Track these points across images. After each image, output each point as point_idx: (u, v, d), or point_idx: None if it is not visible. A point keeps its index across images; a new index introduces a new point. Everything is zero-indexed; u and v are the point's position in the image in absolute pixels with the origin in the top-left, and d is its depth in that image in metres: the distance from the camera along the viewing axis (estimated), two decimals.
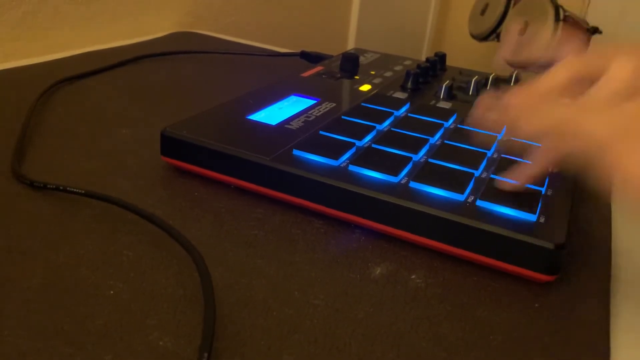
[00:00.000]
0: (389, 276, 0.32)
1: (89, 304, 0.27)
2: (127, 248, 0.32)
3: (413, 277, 0.32)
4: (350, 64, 0.58)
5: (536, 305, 0.30)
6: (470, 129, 0.44)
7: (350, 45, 1.36)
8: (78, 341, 0.25)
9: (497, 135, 0.43)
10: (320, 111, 0.45)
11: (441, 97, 0.52)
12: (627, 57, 0.34)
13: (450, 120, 0.46)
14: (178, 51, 0.68)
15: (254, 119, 0.42)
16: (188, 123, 0.40)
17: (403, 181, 0.35)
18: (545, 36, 1.35)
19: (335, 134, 0.40)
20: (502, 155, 0.40)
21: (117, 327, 0.26)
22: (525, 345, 0.28)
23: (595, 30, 1.40)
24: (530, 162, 0.34)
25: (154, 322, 0.26)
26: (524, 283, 0.32)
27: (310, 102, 0.47)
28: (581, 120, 0.28)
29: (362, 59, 0.63)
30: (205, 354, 0.24)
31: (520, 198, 0.34)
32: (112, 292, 0.28)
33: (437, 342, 0.27)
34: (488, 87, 0.56)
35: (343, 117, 0.44)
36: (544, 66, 0.42)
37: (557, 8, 1.34)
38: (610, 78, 0.34)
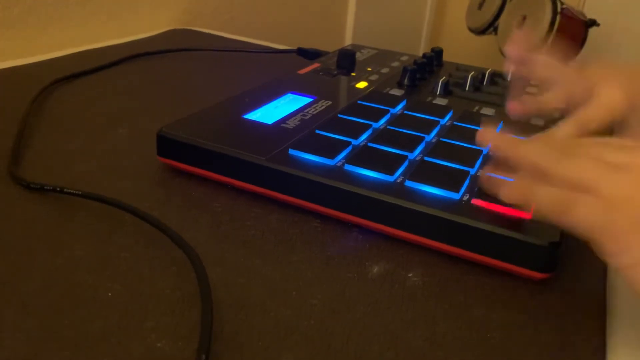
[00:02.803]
0: (386, 275, 0.32)
1: (87, 306, 0.27)
2: (124, 250, 0.32)
3: (410, 275, 0.32)
4: (346, 60, 0.58)
5: (532, 302, 0.31)
6: (466, 125, 0.44)
7: (347, 41, 1.36)
8: (76, 344, 0.25)
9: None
10: (316, 109, 0.45)
11: (438, 93, 0.52)
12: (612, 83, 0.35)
13: (446, 118, 0.46)
14: (174, 49, 0.68)
15: (250, 118, 0.42)
16: (184, 123, 0.40)
17: (399, 180, 0.35)
18: (542, 29, 1.35)
19: (331, 132, 0.40)
20: None
21: (115, 330, 0.26)
22: (522, 343, 0.28)
23: (592, 23, 1.40)
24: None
25: (152, 324, 0.27)
26: (520, 281, 0.32)
27: (307, 100, 0.47)
28: (574, 205, 0.27)
29: (358, 55, 0.63)
30: (203, 356, 0.24)
31: None
32: (109, 294, 0.28)
33: (434, 341, 0.27)
34: (485, 83, 0.56)
35: (339, 115, 0.44)
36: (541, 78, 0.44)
37: (554, 1, 1.34)
38: (599, 105, 0.35)
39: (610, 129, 0.38)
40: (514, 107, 0.42)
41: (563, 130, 0.37)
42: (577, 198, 0.27)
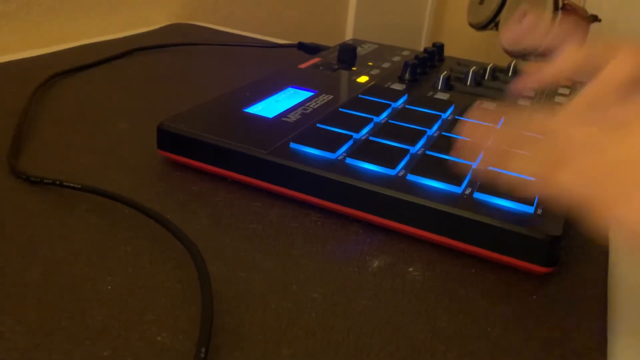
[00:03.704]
0: (387, 269, 0.32)
1: (87, 299, 0.27)
2: (124, 243, 0.32)
3: (411, 269, 0.32)
4: (347, 55, 0.57)
5: (534, 297, 0.30)
6: (468, 120, 0.44)
7: (348, 36, 1.36)
8: (76, 337, 0.25)
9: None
10: (317, 103, 0.45)
11: (439, 88, 0.52)
12: (629, 52, 0.33)
13: (448, 112, 0.46)
14: (175, 43, 0.68)
15: (251, 111, 0.42)
16: (184, 116, 0.40)
17: (400, 174, 0.35)
18: (543, 25, 1.34)
19: (332, 126, 0.40)
20: None
21: (115, 323, 0.26)
22: (522, 337, 0.28)
23: (594, 19, 1.39)
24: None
25: (152, 318, 0.26)
26: (521, 275, 0.32)
27: (308, 94, 0.47)
28: (555, 177, 0.26)
29: (359, 50, 0.62)
30: (203, 349, 0.24)
31: None
32: (109, 287, 0.28)
33: (435, 334, 0.27)
34: (486, 78, 0.56)
35: (340, 109, 0.44)
36: (542, 54, 0.42)
37: None
38: (610, 72, 0.33)
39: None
40: (526, 79, 0.39)
41: (585, 92, 0.35)
42: (557, 166, 0.26)
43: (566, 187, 0.26)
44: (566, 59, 0.37)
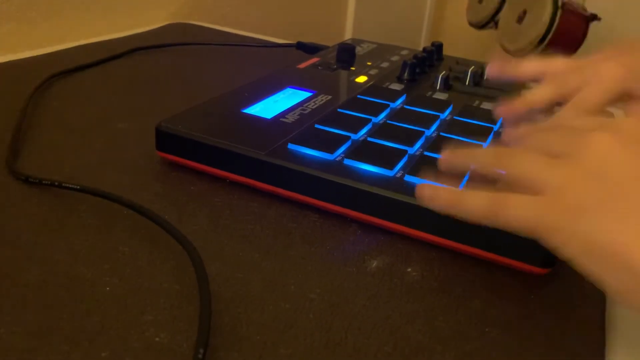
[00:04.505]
0: (385, 269, 0.32)
1: (85, 300, 0.27)
2: (123, 244, 0.32)
3: (409, 270, 0.32)
4: (346, 54, 0.57)
5: (531, 297, 0.31)
6: (466, 120, 0.44)
7: (348, 35, 1.36)
8: (75, 338, 0.25)
9: (493, 126, 0.43)
10: (316, 104, 0.45)
11: (437, 87, 0.52)
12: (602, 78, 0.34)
13: (446, 112, 0.46)
14: (174, 43, 0.68)
15: (249, 112, 0.42)
16: (183, 117, 0.40)
17: (398, 175, 0.35)
18: (543, 24, 1.34)
19: (330, 127, 0.40)
20: None
21: (113, 324, 0.26)
22: (520, 337, 0.28)
23: (594, 17, 1.39)
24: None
25: (151, 318, 0.26)
26: (519, 276, 0.32)
27: (306, 94, 0.47)
28: (505, 205, 0.26)
29: (358, 50, 0.62)
30: (201, 350, 0.24)
31: None
32: (108, 288, 0.28)
33: (432, 334, 0.27)
34: (485, 77, 0.56)
35: (339, 110, 0.44)
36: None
37: None
38: (579, 100, 0.34)
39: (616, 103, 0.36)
40: (501, 110, 0.40)
41: (561, 116, 0.36)
42: (507, 197, 0.26)
43: (512, 218, 0.26)
44: (536, 94, 0.37)
